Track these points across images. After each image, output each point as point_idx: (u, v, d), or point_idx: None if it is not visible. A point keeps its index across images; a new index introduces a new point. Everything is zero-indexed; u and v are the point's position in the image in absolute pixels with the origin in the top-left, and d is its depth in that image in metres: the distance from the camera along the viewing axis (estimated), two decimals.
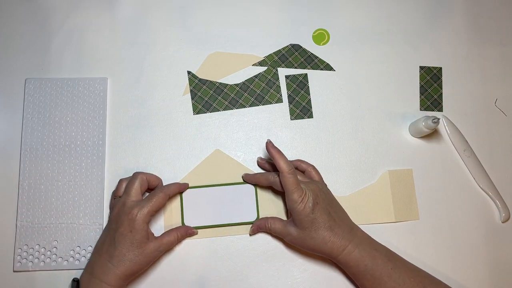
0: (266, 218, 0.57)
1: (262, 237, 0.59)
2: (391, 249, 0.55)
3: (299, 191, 0.53)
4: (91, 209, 0.59)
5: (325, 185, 0.58)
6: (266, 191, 0.60)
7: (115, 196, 0.57)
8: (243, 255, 0.59)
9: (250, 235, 0.59)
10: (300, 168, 0.59)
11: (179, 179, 0.60)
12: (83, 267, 0.56)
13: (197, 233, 0.58)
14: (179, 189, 0.58)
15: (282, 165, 0.54)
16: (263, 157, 0.61)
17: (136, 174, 0.56)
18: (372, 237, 0.55)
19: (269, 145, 0.56)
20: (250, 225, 0.59)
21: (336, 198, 0.58)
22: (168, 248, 0.56)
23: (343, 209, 0.57)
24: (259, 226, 0.58)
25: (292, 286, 0.58)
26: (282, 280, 0.58)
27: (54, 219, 0.58)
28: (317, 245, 0.53)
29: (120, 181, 0.57)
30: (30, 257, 0.57)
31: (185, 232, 0.57)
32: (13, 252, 0.57)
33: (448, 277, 0.59)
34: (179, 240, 0.57)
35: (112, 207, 0.56)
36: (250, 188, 0.60)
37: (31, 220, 0.58)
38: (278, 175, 0.55)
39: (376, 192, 0.61)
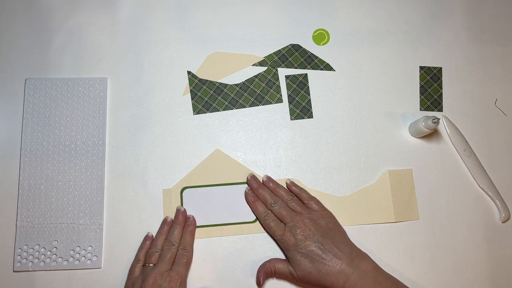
0: (269, 261, 0.56)
1: (262, 237, 0.59)
2: (398, 280, 0.53)
3: (279, 230, 0.55)
4: (91, 209, 0.59)
5: (323, 214, 0.56)
6: None
7: (145, 263, 0.55)
8: (243, 255, 0.58)
9: (262, 281, 0.55)
10: (300, 198, 0.58)
11: (179, 179, 0.60)
12: (83, 267, 0.57)
13: None
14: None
15: (256, 213, 0.58)
16: (268, 177, 0.60)
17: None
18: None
19: (247, 194, 0.59)
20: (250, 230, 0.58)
21: (336, 198, 0.57)
22: None
23: (345, 238, 0.55)
24: (266, 272, 0.55)
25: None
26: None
27: (54, 219, 0.58)
28: (317, 280, 0.51)
29: (141, 250, 0.57)
30: (30, 257, 0.57)
31: None
32: (13, 252, 0.57)
33: (448, 277, 0.59)
34: None
35: (141, 275, 0.54)
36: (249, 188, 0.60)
37: (31, 220, 0.58)
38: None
39: (376, 192, 0.61)
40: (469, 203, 0.61)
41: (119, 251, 0.58)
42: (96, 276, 0.57)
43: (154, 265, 0.54)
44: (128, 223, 0.59)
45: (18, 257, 0.57)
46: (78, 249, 0.57)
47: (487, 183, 0.61)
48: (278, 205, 0.56)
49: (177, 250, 0.55)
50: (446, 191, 0.62)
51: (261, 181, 0.60)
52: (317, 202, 0.58)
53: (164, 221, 0.58)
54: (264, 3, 0.67)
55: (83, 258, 0.57)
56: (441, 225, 0.60)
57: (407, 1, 0.68)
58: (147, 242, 0.57)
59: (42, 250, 0.57)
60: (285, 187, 0.60)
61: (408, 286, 0.53)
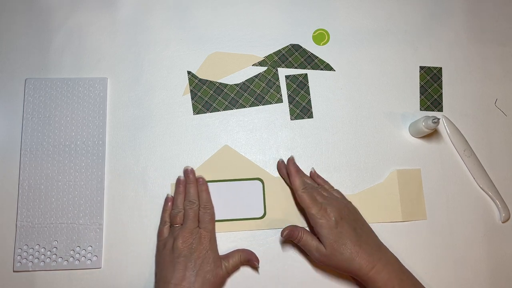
0: (300, 227, 0.55)
1: (270, 233, 0.59)
2: (415, 276, 0.53)
3: (316, 206, 0.53)
4: (91, 209, 0.59)
5: (349, 202, 0.57)
6: (274, 188, 0.60)
7: (171, 224, 0.56)
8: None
9: (283, 237, 0.54)
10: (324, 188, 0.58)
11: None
12: (83, 267, 0.57)
13: (258, 267, 0.57)
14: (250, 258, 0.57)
15: (295, 183, 0.56)
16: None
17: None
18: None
19: (290, 162, 0.59)
20: (257, 219, 0.58)
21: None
22: (233, 270, 0.56)
23: (370, 227, 0.55)
24: (293, 233, 0.54)
25: (292, 287, 0.58)
26: (282, 281, 0.58)
27: (54, 219, 0.58)
28: (346, 261, 0.51)
29: (165, 212, 0.58)
30: (30, 257, 0.57)
31: (249, 257, 0.56)
32: (13, 252, 0.57)
33: (448, 277, 0.59)
34: (242, 263, 0.56)
35: (171, 236, 0.55)
36: (257, 184, 0.60)
37: (31, 220, 0.58)
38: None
39: (384, 191, 0.61)
40: (469, 203, 0.61)
41: (119, 251, 0.58)
42: (96, 276, 0.57)
43: (181, 225, 0.55)
44: (128, 223, 0.59)
45: (18, 257, 0.57)
46: (78, 249, 0.57)
47: (487, 183, 0.61)
48: (309, 187, 0.56)
49: (198, 207, 0.57)
50: (446, 191, 0.62)
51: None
52: (339, 193, 0.58)
53: (178, 181, 0.59)
54: (264, 3, 0.67)
55: (83, 258, 0.57)
56: (441, 225, 0.60)
57: (407, 1, 0.68)
58: (169, 203, 0.58)
59: (42, 250, 0.57)
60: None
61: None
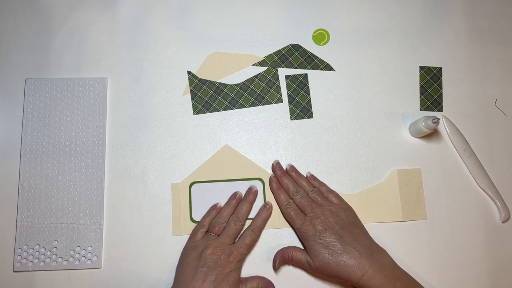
0: (288, 248, 0.57)
1: (264, 237, 0.59)
2: (415, 279, 0.53)
3: (299, 220, 0.55)
4: (91, 209, 0.59)
5: (344, 207, 0.56)
6: None
7: (208, 231, 0.56)
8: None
9: (277, 266, 0.56)
10: (320, 191, 0.58)
11: (180, 179, 0.60)
12: (83, 267, 0.57)
13: None
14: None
15: (278, 199, 0.58)
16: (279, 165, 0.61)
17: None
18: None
19: (271, 181, 0.59)
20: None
21: (346, 197, 0.58)
22: None
23: (364, 232, 0.55)
24: (283, 257, 0.56)
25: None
26: (281, 281, 0.58)
27: (54, 219, 0.58)
28: (335, 271, 0.51)
29: (207, 217, 0.58)
30: (30, 257, 0.57)
31: (267, 285, 0.55)
32: (13, 252, 0.57)
33: (447, 277, 0.59)
34: None
35: (203, 242, 0.55)
36: (257, 184, 0.60)
37: (31, 220, 0.58)
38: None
39: (384, 191, 0.61)
40: (469, 203, 0.61)
41: (119, 251, 0.58)
42: (96, 276, 0.57)
43: (217, 236, 0.55)
44: (128, 223, 0.59)
45: (18, 257, 0.57)
46: (78, 249, 0.57)
47: (487, 183, 0.61)
48: (300, 195, 0.57)
49: (242, 227, 0.57)
50: (446, 191, 0.62)
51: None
52: (337, 196, 0.58)
53: (234, 195, 0.59)
54: (264, 3, 0.67)
55: (83, 258, 0.57)
56: (440, 225, 0.60)
57: (407, 1, 0.68)
58: (213, 211, 0.58)
59: (42, 250, 0.57)
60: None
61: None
